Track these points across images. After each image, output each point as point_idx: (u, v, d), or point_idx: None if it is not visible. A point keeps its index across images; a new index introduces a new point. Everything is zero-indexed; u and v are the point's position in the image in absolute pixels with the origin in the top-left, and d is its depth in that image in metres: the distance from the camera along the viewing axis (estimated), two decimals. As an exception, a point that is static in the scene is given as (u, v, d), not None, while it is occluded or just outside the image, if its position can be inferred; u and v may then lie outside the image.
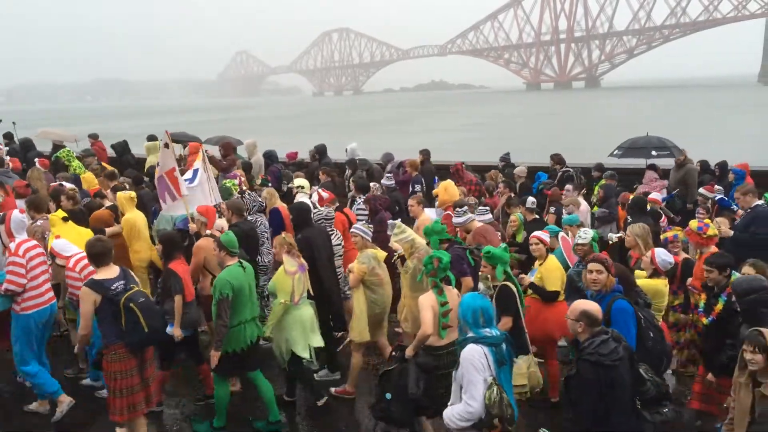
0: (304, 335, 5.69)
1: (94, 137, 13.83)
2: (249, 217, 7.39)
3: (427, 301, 4.83)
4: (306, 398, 6.23)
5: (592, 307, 3.98)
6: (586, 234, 5.86)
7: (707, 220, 6.55)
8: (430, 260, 4.93)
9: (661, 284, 5.54)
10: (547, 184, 10.04)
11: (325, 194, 8.00)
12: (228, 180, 9.27)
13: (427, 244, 6.02)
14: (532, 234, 6.20)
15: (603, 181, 10.66)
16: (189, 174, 7.96)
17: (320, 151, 12.19)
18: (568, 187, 8.76)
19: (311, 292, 5.94)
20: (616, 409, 3.77)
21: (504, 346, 4.04)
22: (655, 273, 5.59)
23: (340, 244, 7.21)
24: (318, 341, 5.80)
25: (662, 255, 5.57)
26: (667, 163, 11.28)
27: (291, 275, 5.64)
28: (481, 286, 5.18)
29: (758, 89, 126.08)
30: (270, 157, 11.92)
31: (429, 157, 11.55)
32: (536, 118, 67.41)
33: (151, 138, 12.85)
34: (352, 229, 6.46)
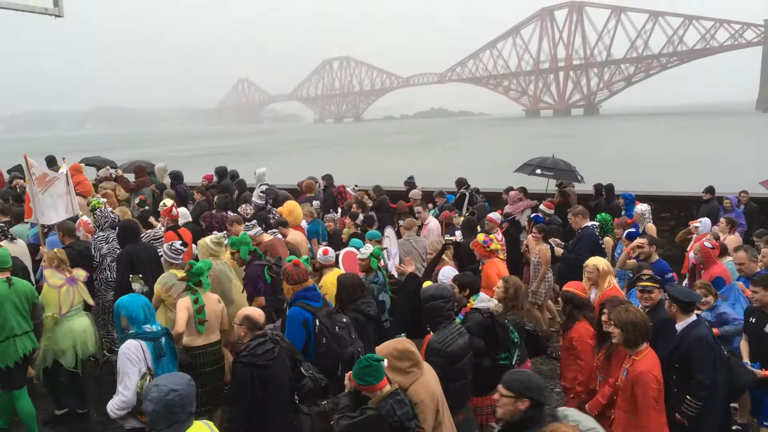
0: (74, 347, 5.84)
1: None
2: (101, 233, 7.49)
3: (183, 303, 5.17)
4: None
5: (256, 312, 4.39)
6: (366, 250, 5.97)
7: (492, 236, 6.75)
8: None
9: None
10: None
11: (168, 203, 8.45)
12: (94, 198, 9.34)
13: (233, 254, 6.45)
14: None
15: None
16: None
17: (219, 173, 12.40)
18: (418, 208, 9.02)
19: (88, 302, 6.15)
20: (272, 404, 4.12)
21: (163, 340, 4.34)
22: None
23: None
24: (88, 351, 5.95)
25: (442, 275, 5.64)
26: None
27: (56, 289, 5.79)
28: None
29: (756, 116, 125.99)
30: (175, 177, 12.28)
31: (332, 182, 12.29)
32: (538, 144, 67.04)
33: (50, 159, 12.50)
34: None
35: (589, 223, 7.49)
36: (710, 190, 10.82)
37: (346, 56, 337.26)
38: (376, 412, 3.45)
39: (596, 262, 5.73)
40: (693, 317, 4.72)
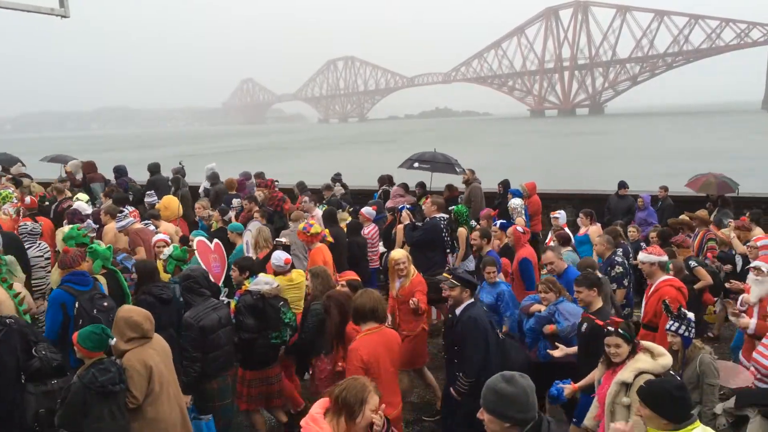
0: None
1: None
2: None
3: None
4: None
5: None
6: (165, 255, 6.23)
7: (312, 221, 7.25)
8: None
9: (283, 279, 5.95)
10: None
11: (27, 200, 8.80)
12: (4, 189, 9.60)
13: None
14: None
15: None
16: None
17: (151, 170, 12.68)
18: (305, 198, 9.24)
19: None
20: None
21: None
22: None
23: (41, 256, 7.46)
24: None
25: (274, 258, 6.04)
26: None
27: None
28: None
29: (762, 116, 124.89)
30: (118, 170, 12.75)
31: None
32: (543, 143, 67.13)
33: None
34: None
35: (438, 216, 7.78)
36: (623, 185, 11.00)
37: (351, 56, 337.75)
38: (79, 381, 3.77)
39: (403, 252, 6.14)
40: (470, 300, 4.95)
